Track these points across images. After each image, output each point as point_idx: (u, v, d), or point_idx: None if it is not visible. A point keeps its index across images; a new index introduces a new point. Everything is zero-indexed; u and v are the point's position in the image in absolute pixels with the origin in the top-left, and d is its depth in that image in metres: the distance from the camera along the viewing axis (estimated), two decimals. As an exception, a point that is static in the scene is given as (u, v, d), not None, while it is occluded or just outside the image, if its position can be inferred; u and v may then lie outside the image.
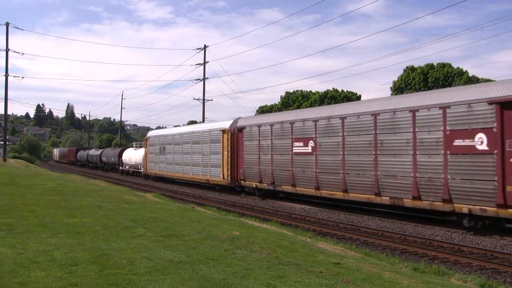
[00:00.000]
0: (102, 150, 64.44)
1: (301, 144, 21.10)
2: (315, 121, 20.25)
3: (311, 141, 20.43)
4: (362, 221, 16.98)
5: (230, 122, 27.64)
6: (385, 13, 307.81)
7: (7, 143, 68.10)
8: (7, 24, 50.79)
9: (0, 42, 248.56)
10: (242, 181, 25.90)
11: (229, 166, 26.73)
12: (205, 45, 48.85)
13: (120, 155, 52.01)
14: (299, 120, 21.46)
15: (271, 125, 23.39)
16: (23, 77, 74.03)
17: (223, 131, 27.66)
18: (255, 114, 49.63)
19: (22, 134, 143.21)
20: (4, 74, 51.31)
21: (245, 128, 25.74)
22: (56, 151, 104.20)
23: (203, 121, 53.58)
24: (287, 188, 22.33)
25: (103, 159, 59.69)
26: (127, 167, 49.65)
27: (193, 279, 6.32)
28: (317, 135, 20.13)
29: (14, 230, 9.51)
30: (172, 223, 11.79)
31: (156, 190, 29.03)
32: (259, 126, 24.42)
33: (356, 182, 17.98)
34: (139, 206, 15.87)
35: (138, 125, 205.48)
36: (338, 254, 9.66)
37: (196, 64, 50.21)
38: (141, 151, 44.95)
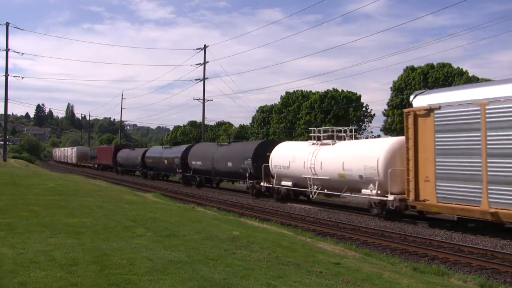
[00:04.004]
0: (185, 147, 36.29)
1: None
2: None
3: None
4: (362, 221, 16.98)
5: None
6: (386, 13, 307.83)
7: (7, 143, 68.06)
8: (7, 24, 50.79)
9: (0, 42, 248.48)
10: None
11: None
12: (205, 45, 48.80)
13: (258, 155, 25.08)
14: None
15: None
16: (23, 77, 73.70)
17: None
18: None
19: (22, 134, 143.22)
20: (4, 74, 51.33)
21: None
22: (70, 151, 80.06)
23: (203, 121, 52.61)
24: None
25: (195, 164, 32.71)
26: (287, 182, 22.65)
27: (193, 279, 6.32)
28: None
29: (14, 230, 9.50)
30: (172, 223, 11.79)
31: (156, 190, 29.03)
32: None
33: None
34: (139, 206, 15.88)
35: (138, 125, 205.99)
36: (338, 254, 9.67)
37: (196, 64, 50.17)
38: (375, 146, 18.19)
